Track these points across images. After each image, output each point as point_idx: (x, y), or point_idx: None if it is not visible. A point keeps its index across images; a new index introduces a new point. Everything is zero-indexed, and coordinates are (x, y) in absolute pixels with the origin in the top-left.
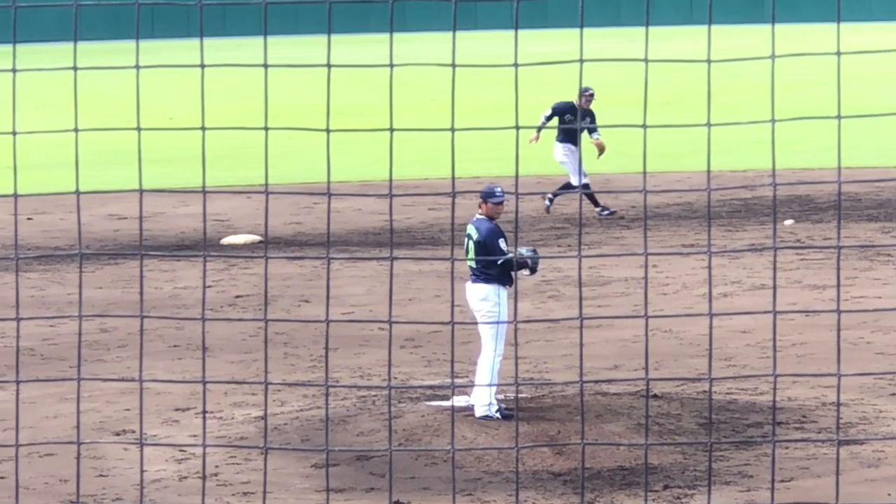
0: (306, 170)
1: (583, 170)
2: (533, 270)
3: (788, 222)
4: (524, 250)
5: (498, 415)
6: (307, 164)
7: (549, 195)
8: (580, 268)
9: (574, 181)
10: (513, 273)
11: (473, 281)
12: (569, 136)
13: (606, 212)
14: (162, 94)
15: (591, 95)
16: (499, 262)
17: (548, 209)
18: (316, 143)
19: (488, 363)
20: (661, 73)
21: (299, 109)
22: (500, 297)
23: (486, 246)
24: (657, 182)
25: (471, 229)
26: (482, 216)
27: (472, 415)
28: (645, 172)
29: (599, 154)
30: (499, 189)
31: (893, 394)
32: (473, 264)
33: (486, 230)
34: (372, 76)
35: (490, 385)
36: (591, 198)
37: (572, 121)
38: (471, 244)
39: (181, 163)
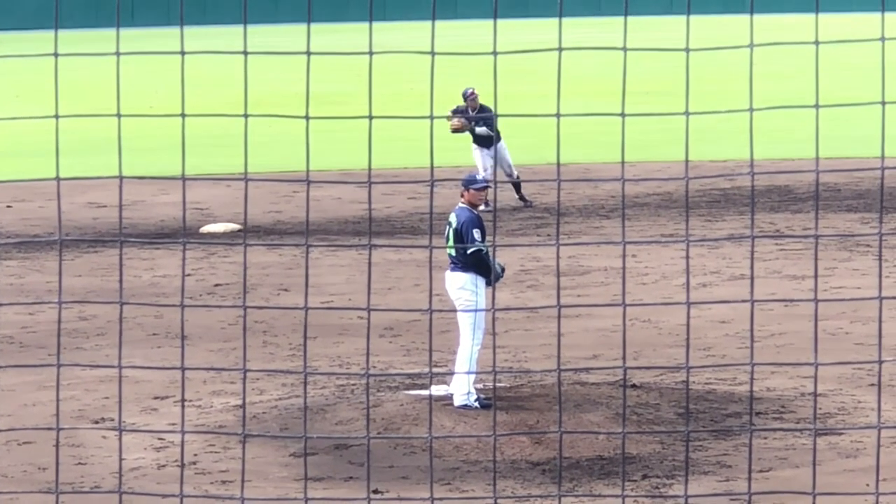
0: (286, 158)
1: (510, 164)
2: (488, 283)
3: None
4: (497, 263)
5: (476, 404)
6: (287, 152)
7: (518, 197)
8: (558, 256)
9: (482, 174)
10: (489, 266)
11: (452, 269)
12: (480, 140)
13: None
14: (142, 83)
15: (473, 96)
16: (468, 252)
17: (529, 204)
18: (295, 131)
19: (467, 352)
20: (642, 63)
21: (279, 98)
22: (478, 286)
23: (461, 234)
24: (636, 171)
25: (451, 217)
26: (464, 204)
27: (451, 404)
28: (623, 161)
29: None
30: (481, 176)
31: (872, 384)
32: (453, 252)
33: (464, 218)
34: (352, 65)
35: (468, 373)
36: (517, 188)
37: (476, 125)
38: (450, 232)
39: (161, 151)
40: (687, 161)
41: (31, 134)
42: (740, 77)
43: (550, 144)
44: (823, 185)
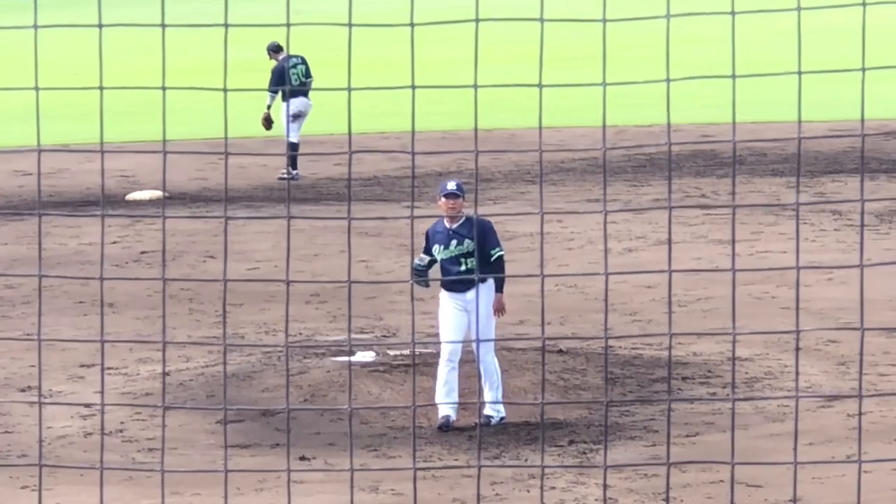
0: (212, 125)
1: (291, 127)
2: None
3: None
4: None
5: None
6: (213, 119)
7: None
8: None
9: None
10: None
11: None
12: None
13: (289, 176)
14: (66, 51)
15: (271, 50)
16: (497, 257)
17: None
18: (221, 98)
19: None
20: (566, 29)
21: (204, 66)
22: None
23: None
24: (562, 137)
25: (457, 226)
26: (463, 214)
27: (378, 370)
28: (541, 133)
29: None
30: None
31: (799, 348)
32: (473, 265)
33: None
34: (277, 32)
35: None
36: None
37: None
38: (465, 244)
39: (87, 119)
40: (604, 127)
41: None
42: (662, 43)
43: (472, 111)
44: (749, 149)
